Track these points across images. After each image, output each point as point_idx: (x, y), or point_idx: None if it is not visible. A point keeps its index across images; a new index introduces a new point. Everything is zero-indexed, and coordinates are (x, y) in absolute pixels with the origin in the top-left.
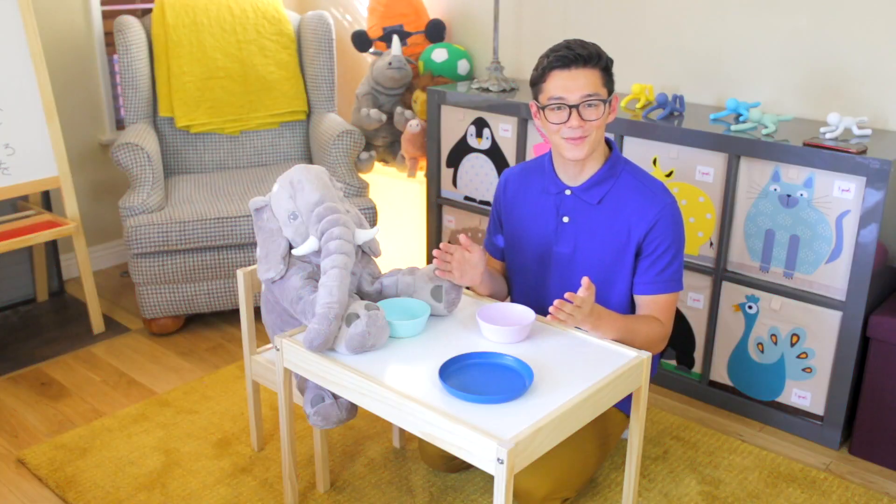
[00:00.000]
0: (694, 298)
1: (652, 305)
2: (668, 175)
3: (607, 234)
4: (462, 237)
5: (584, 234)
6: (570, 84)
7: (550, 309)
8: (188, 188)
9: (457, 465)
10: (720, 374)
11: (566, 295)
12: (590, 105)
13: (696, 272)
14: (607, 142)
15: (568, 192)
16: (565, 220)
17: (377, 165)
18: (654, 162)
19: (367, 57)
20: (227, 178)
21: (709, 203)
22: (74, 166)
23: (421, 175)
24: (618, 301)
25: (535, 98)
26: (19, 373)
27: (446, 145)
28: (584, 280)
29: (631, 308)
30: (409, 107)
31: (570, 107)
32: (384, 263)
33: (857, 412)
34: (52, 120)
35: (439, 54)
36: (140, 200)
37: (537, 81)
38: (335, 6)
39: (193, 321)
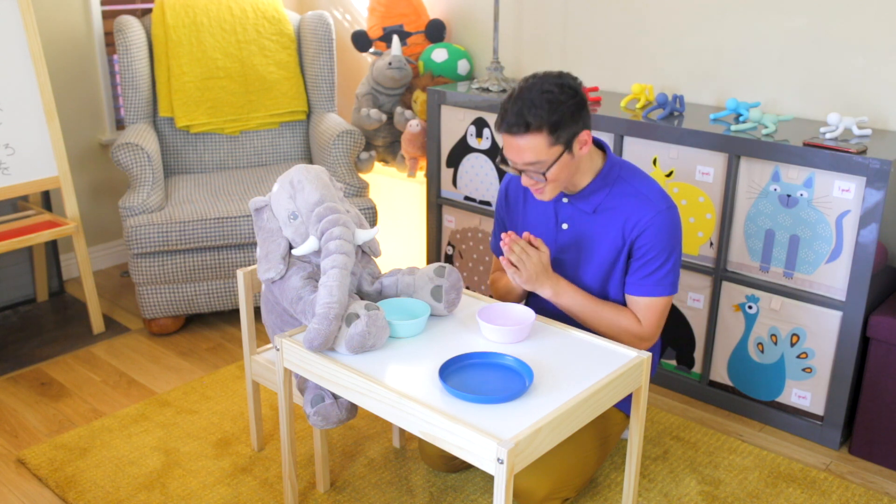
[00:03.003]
0: (694, 298)
1: (634, 305)
2: (668, 175)
3: (604, 240)
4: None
5: (582, 240)
6: (512, 153)
7: (504, 253)
8: (188, 188)
9: (457, 465)
10: (720, 374)
11: (525, 235)
12: (534, 172)
13: (696, 272)
14: (602, 148)
15: (565, 199)
16: (564, 226)
17: (377, 165)
18: (654, 162)
19: (367, 57)
20: (227, 178)
21: (709, 203)
22: (74, 166)
23: (421, 175)
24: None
25: None
26: (19, 373)
27: (446, 145)
28: (525, 234)
29: None
30: (409, 107)
31: (519, 169)
32: (384, 263)
33: (857, 412)
34: (52, 120)
35: (439, 54)
36: (140, 200)
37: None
38: (335, 6)
39: (193, 321)
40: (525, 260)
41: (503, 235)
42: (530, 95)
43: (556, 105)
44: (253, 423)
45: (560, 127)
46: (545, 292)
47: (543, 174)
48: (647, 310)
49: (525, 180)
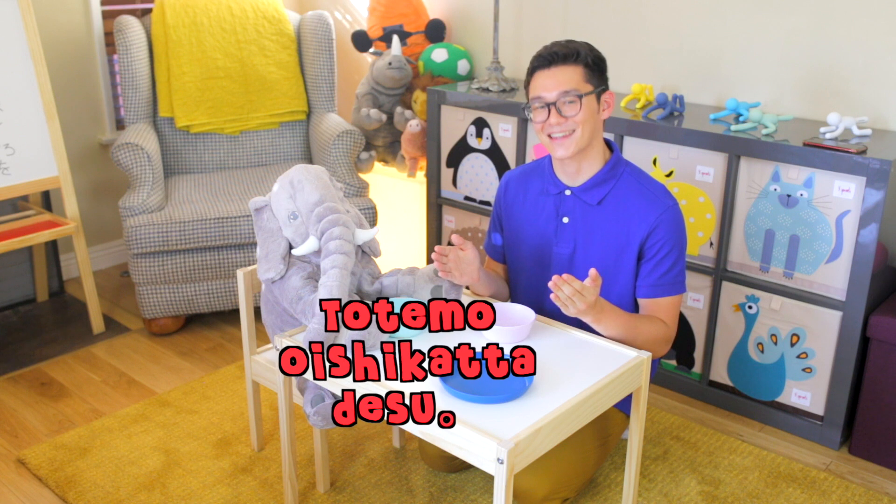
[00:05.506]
0: (694, 298)
1: (655, 308)
2: (668, 175)
3: (607, 234)
4: (454, 237)
5: (583, 234)
6: (549, 82)
7: (550, 284)
8: (188, 188)
9: (457, 465)
10: (720, 374)
11: (565, 276)
12: (568, 102)
13: (696, 272)
14: (608, 144)
15: (568, 192)
16: (565, 220)
17: (377, 165)
18: (654, 162)
19: (367, 57)
20: (227, 178)
21: (709, 203)
22: (74, 166)
23: (421, 175)
24: (617, 302)
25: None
26: (19, 373)
27: (446, 145)
28: (592, 272)
29: (632, 309)
30: (409, 107)
31: (549, 104)
32: (384, 263)
33: (857, 412)
34: (52, 120)
35: (439, 54)
36: (140, 200)
37: (526, 84)
38: (335, 6)
39: (193, 321)
40: (572, 306)
41: (555, 278)
42: (570, 41)
43: (593, 49)
44: (253, 423)
45: (597, 67)
46: (586, 319)
47: (580, 97)
48: (670, 310)
49: (555, 119)
